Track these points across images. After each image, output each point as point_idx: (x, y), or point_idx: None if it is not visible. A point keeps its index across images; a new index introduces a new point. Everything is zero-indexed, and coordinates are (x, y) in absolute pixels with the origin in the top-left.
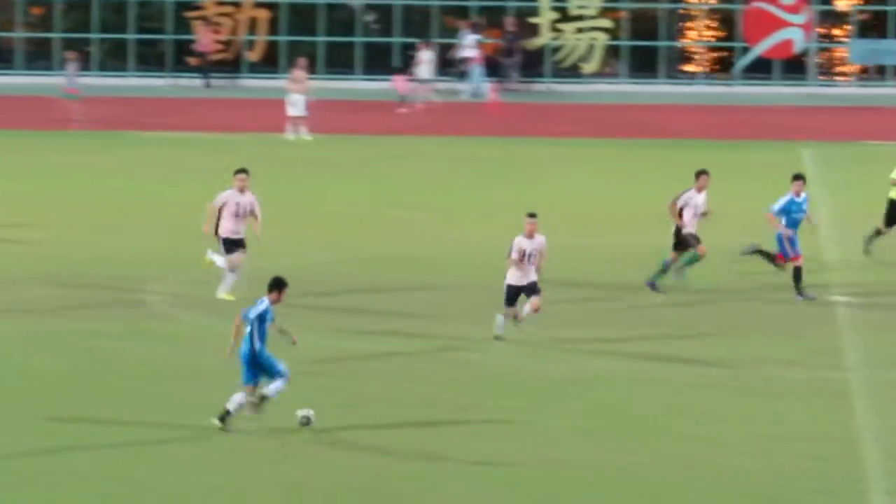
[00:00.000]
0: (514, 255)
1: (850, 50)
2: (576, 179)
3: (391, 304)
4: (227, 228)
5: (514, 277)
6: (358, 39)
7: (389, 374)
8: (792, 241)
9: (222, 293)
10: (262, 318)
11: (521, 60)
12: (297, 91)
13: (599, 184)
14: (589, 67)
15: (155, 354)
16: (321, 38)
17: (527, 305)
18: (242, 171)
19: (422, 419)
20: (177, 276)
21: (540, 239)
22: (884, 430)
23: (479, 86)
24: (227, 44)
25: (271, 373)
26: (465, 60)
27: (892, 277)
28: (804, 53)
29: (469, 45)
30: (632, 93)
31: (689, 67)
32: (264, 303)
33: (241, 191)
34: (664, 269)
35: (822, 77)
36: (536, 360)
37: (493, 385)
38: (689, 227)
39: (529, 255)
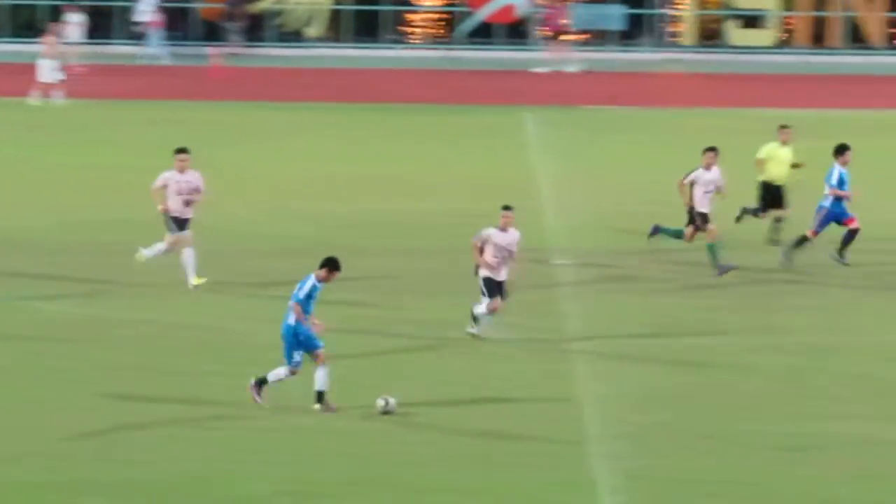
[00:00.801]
0: (479, 243)
1: (573, 15)
2: (301, 144)
3: (109, 268)
4: (174, 208)
5: (489, 271)
6: (82, 2)
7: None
8: (841, 209)
9: (192, 280)
10: (309, 296)
11: (244, 24)
12: (50, 56)
13: (326, 148)
14: (312, 32)
15: None
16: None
17: (488, 304)
18: (183, 150)
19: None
20: None
21: (514, 234)
22: (603, 395)
23: (158, 50)
24: None
25: (309, 347)
26: (142, 24)
27: (610, 243)
28: (526, 18)
29: (146, 9)
30: (355, 57)
31: (412, 32)
32: (311, 279)
33: (182, 171)
34: (676, 235)
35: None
36: (244, 323)
37: (215, 350)
38: (701, 205)
39: (502, 250)
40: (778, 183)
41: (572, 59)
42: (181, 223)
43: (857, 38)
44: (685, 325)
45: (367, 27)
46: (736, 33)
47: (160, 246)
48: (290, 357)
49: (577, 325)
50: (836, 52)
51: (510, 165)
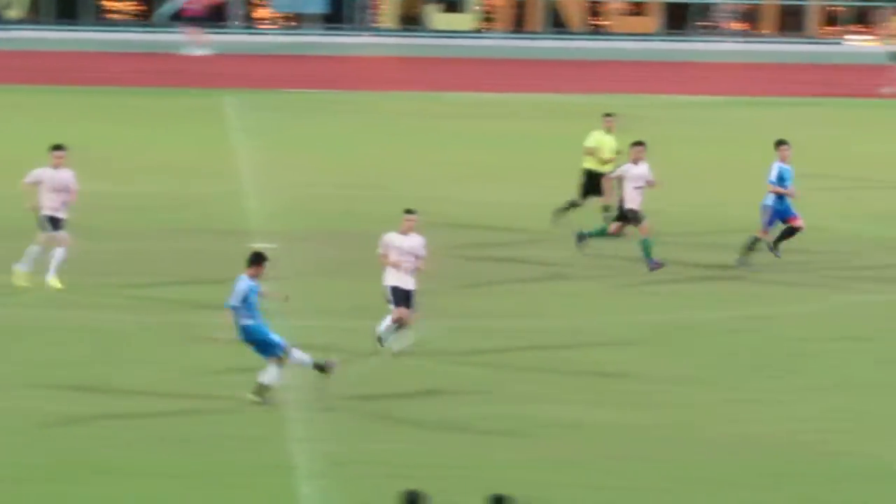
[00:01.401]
0: (382, 251)
1: None
2: (8, 127)
3: None
4: (48, 206)
5: (394, 279)
6: None
7: None
8: (786, 206)
9: (52, 280)
10: (245, 298)
11: None
12: None
13: (27, 131)
14: (12, 13)
15: None
16: None
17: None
18: (59, 147)
19: None
20: None
21: (418, 239)
22: (308, 381)
23: None
24: None
25: (265, 346)
26: None
27: (311, 225)
28: (226, 2)
29: None
30: (56, 39)
31: (114, 14)
32: (243, 281)
33: (57, 168)
34: (601, 233)
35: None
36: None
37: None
38: (631, 202)
39: (405, 254)
40: (601, 171)
41: (202, 42)
42: (55, 222)
43: (557, 22)
44: None
45: (67, 9)
46: (437, 17)
47: (33, 249)
48: (266, 352)
49: (271, 307)
50: (537, 37)
51: (211, 148)
